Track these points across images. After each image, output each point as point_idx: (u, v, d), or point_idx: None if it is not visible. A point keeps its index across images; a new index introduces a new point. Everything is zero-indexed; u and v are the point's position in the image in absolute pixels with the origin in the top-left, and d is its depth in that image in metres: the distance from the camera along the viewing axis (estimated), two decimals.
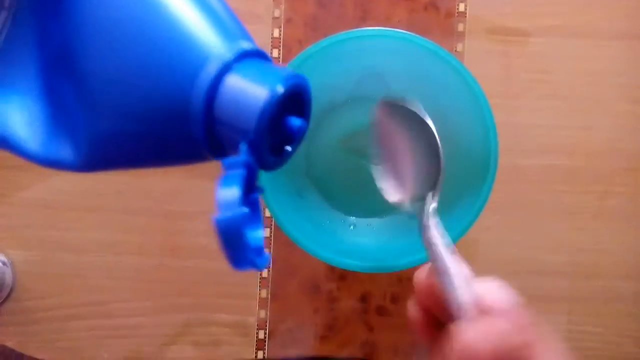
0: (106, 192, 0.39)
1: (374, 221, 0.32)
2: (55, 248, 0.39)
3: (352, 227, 0.30)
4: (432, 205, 0.24)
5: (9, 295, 0.39)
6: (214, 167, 0.40)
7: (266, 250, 0.17)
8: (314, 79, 0.26)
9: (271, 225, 0.39)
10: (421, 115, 0.24)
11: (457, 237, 0.27)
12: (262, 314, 0.39)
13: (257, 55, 0.17)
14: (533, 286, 0.39)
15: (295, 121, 0.17)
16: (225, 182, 0.15)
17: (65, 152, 0.18)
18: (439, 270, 0.22)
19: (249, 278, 0.39)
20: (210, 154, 0.17)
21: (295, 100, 0.17)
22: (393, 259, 0.27)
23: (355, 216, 0.32)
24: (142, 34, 0.16)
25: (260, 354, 0.39)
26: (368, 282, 0.39)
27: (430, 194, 0.24)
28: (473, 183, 0.28)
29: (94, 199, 0.39)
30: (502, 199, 0.39)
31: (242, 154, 0.16)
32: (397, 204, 0.25)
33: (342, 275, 0.39)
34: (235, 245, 0.15)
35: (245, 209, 0.15)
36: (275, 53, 0.39)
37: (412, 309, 0.23)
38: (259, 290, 0.39)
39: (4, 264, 0.39)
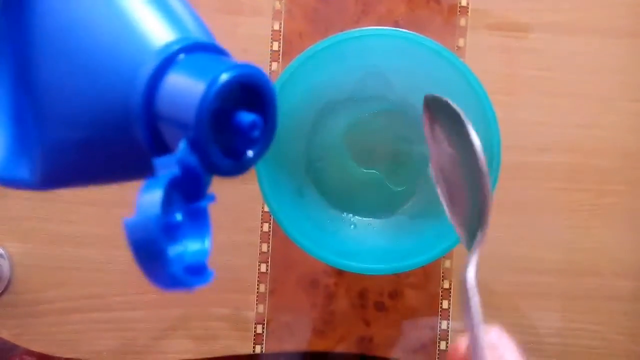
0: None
1: (375, 221, 0.32)
2: (53, 241, 0.39)
3: (352, 226, 0.30)
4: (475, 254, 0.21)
5: (6, 287, 0.39)
6: None
7: (210, 268, 0.15)
8: (317, 78, 0.25)
9: (270, 220, 0.39)
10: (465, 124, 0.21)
11: (457, 240, 0.27)
12: (260, 308, 0.39)
13: (209, 49, 0.16)
14: (529, 283, 0.39)
15: (245, 116, 0.15)
16: (151, 183, 0.14)
17: (21, 170, 0.17)
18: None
19: (248, 273, 0.39)
20: (147, 147, 0.16)
21: (254, 96, 0.16)
22: (394, 261, 0.28)
23: (356, 216, 0.32)
24: (87, 37, 0.15)
25: (258, 349, 0.39)
26: (366, 278, 0.39)
27: (480, 233, 0.21)
28: (475, 185, 0.28)
29: (91, 191, 0.39)
30: (500, 196, 0.39)
31: (179, 152, 0.14)
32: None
33: (340, 271, 0.39)
34: (149, 256, 0.13)
35: (158, 211, 0.13)
36: (275, 46, 0.39)
37: None
38: (258, 284, 0.39)
39: (1, 256, 0.39)
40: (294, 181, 0.30)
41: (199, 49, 0.16)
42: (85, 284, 0.39)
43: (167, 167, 0.14)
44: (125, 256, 0.39)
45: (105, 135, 0.16)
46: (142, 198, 0.13)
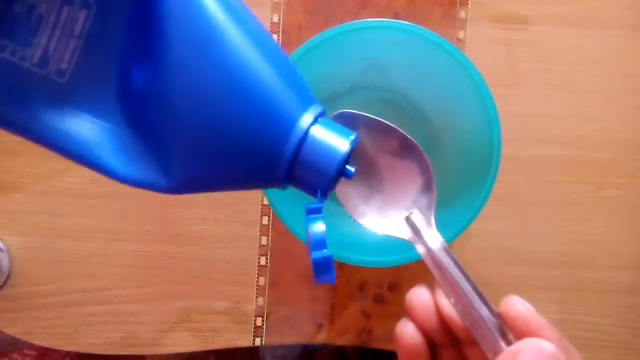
0: (103, 178, 0.39)
1: None
2: (52, 234, 0.39)
3: (352, 219, 0.30)
4: (425, 223, 0.23)
5: (5, 281, 0.39)
6: None
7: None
8: (317, 70, 0.25)
9: (269, 213, 0.39)
10: (391, 125, 0.23)
11: (458, 232, 0.27)
12: (260, 301, 0.39)
13: (324, 113, 0.21)
14: (527, 275, 0.39)
15: (351, 169, 0.21)
16: (313, 223, 0.20)
17: (155, 177, 0.20)
18: (450, 292, 0.21)
19: (247, 266, 0.39)
20: (286, 185, 0.21)
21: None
22: (393, 253, 0.28)
23: None
24: (239, 90, 0.19)
25: (257, 341, 0.39)
26: (366, 271, 0.39)
27: (416, 211, 0.23)
28: (475, 177, 0.28)
29: (91, 185, 0.39)
30: (499, 188, 0.39)
31: (319, 199, 0.21)
32: (387, 234, 0.24)
33: (339, 264, 0.39)
34: (324, 273, 0.21)
35: (328, 248, 0.20)
36: (274, 38, 0.39)
37: (409, 332, 0.22)
38: (257, 277, 0.39)
39: (0, 250, 0.38)
40: None
41: (324, 113, 0.21)
42: (85, 277, 0.39)
43: (316, 211, 0.21)
44: (124, 250, 0.39)
45: (247, 168, 0.20)
46: (313, 237, 0.20)
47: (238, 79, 0.19)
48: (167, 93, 0.19)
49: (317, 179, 0.20)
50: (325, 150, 0.20)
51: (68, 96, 0.19)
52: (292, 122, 0.19)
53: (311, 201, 0.21)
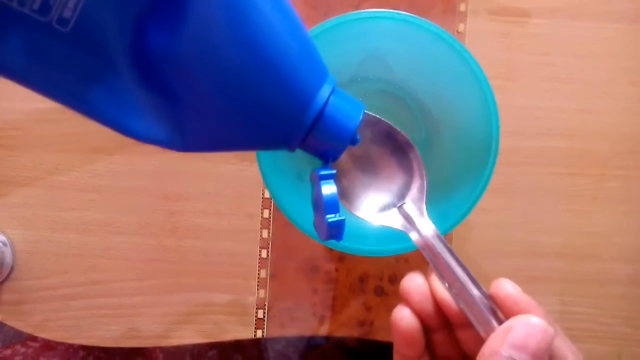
0: (105, 172, 0.39)
1: None
2: (55, 228, 0.39)
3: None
4: (417, 211, 0.24)
5: (9, 274, 0.39)
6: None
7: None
8: None
9: (270, 206, 0.39)
10: (379, 117, 0.24)
11: (456, 222, 0.27)
12: (262, 293, 0.40)
13: (336, 83, 0.22)
14: (527, 267, 0.40)
15: (358, 138, 0.22)
16: (327, 188, 0.21)
17: (168, 135, 0.20)
18: (444, 277, 0.22)
19: (249, 258, 0.39)
20: (295, 148, 0.22)
21: None
22: (392, 243, 0.28)
23: None
24: (266, 59, 0.19)
25: (259, 333, 0.40)
26: (366, 263, 0.39)
27: (408, 201, 0.24)
28: (473, 168, 0.28)
29: (93, 178, 0.39)
30: (499, 180, 0.39)
31: (329, 166, 0.22)
32: (385, 225, 0.25)
33: (340, 256, 0.40)
34: (335, 235, 0.21)
35: (340, 211, 0.21)
36: None
37: (406, 317, 0.23)
38: (259, 270, 0.39)
39: (4, 243, 0.39)
40: (294, 165, 0.30)
41: (336, 84, 0.22)
42: (88, 270, 0.40)
43: (329, 177, 0.21)
44: (126, 242, 0.39)
45: (261, 131, 0.20)
46: (327, 201, 0.21)
47: (266, 47, 0.19)
48: (189, 55, 0.18)
49: (331, 144, 0.21)
50: (342, 119, 0.21)
51: (71, 47, 0.17)
52: (314, 92, 0.20)
53: (320, 166, 0.22)
